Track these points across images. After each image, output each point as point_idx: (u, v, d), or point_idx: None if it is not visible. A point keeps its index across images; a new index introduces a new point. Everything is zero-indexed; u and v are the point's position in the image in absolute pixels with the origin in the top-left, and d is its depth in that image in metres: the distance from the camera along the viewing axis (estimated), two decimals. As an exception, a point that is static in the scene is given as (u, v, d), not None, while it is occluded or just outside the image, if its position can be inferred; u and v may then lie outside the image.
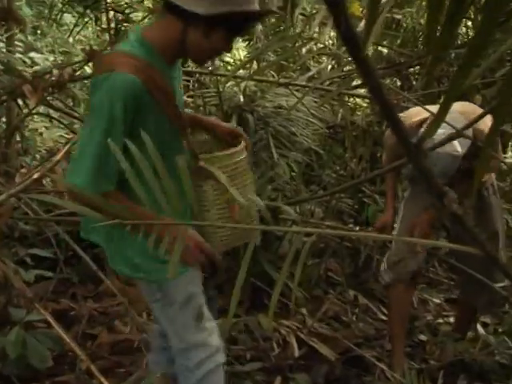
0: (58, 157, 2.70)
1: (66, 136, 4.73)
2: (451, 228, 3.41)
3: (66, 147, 2.77)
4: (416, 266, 3.27)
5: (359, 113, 5.95)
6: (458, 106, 2.89)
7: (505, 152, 5.99)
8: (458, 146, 2.87)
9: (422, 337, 3.83)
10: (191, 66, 4.70)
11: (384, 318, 3.98)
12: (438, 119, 0.81)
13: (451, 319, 4.10)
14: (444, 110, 0.79)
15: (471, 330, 3.70)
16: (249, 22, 2.06)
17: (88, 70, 5.41)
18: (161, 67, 2.04)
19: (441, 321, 4.14)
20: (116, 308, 3.48)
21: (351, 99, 6.09)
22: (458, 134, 1.10)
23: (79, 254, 3.13)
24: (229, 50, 2.10)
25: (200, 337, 2.24)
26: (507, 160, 5.42)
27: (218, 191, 2.20)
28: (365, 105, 6.05)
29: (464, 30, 5.50)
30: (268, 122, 4.33)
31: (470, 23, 5.33)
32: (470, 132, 2.77)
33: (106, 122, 1.90)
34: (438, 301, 4.49)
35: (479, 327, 3.78)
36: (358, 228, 4.80)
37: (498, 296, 3.41)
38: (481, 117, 1.12)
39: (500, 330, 3.68)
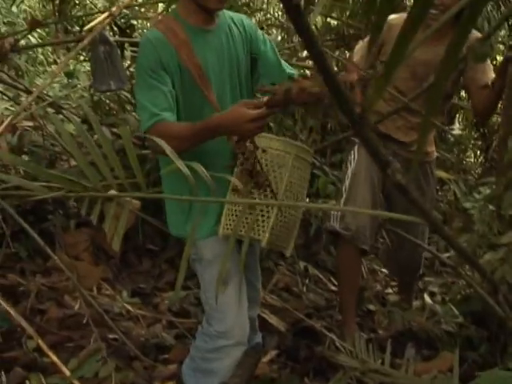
0: (0, 130, 2.63)
1: (12, 109, 4.62)
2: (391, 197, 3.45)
3: (8, 119, 2.69)
4: (366, 245, 3.28)
5: (309, 84, 5.94)
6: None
7: (452, 123, 6.09)
8: None
9: (371, 307, 3.89)
10: None
11: (334, 288, 4.03)
12: (380, 89, 0.81)
13: (400, 289, 4.18)
14: (386, 79, 0.79)
15: (418, 298, 3.78)
16: None
17: (33, 40, 5.28)
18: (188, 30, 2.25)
19: (389, 291, 4.21)
20: (65, 283, 3.44)
21: (300, 71, 6.08)
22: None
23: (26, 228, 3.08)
24: None
25: (223, 324, 2.30)
26: (454, 132, 5.49)
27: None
28: (315, 76, 6.04)
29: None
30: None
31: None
32: None
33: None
34: (386, 271, 4.56)
35: (426, 296, 3.86)
36: (308, 200, 4.82)
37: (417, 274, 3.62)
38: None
39: (447, 298, 3.75)
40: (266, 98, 2.02)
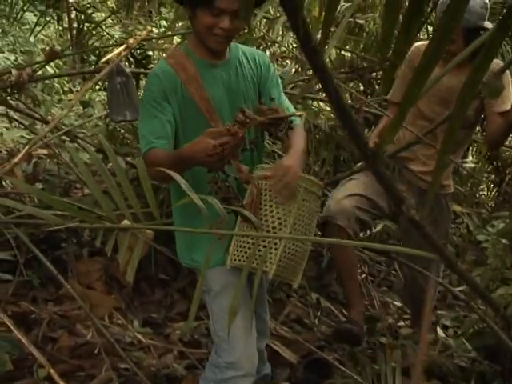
0: (17, 159, 2.66)
1: (27, 137, 4.66)
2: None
3: (25, 149, 2.73)
4: (343, 223, 3.17)
5: (322, 116, 5.96)
6: None
7: (465, 157, 6.08)
8: None
9: (383, 339, 3.86)
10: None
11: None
12: (395, 127, 0.81)
13: (412, 322, 4.14)
14: (400, 117, 0.80)
15: (431, 331, 3.74)
16: None
17: (49, 70, 5.34)
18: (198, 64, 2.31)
19: (401, 324, 4.17)
20: (77, 311, 3.44)
21: (314, 103, 6.11)
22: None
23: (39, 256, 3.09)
24: (221, 24, 2.17)
25: (232, 356, 2.30)
26: (467, 165, 5.48)
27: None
28: (328, 108, 6.07)
29: (426, 36, 5.57)
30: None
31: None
32: None
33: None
34: (399, 304, 4.53)
35: (439, 330, 3.82)
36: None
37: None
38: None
39: (459, 332, 3.72)
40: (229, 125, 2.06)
